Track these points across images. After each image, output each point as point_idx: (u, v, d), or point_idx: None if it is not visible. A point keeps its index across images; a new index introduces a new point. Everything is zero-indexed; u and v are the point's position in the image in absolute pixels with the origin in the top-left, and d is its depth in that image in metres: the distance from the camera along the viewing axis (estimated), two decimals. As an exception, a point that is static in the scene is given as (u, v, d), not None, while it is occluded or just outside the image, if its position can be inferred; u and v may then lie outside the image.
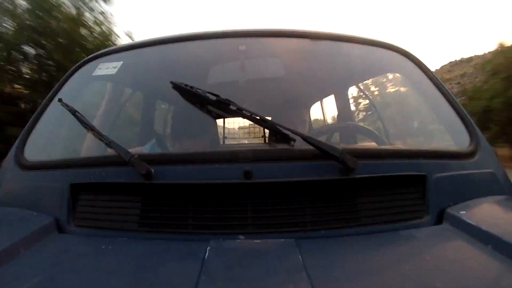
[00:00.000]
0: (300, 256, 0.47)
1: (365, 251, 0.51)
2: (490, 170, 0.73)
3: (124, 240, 0.56)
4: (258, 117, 0.65)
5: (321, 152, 0.59)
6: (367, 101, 1.42)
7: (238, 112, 0.67)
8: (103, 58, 0.97)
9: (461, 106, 0.83)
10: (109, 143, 0.68)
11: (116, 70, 0.92)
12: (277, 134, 0.66)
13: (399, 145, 1.05)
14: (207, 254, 0.49)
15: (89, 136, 0.80)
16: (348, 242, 0.54)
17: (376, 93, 1.45)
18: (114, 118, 1.20)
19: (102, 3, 6.62)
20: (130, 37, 7.17)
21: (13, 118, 5.06)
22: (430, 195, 0.62)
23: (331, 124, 1.58)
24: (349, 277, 0.44)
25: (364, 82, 1.38)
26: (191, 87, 0.72)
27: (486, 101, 11.11)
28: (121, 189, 0.63)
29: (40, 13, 5.58)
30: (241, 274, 0.44)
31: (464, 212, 0.58)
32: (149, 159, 0.62)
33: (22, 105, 5.95)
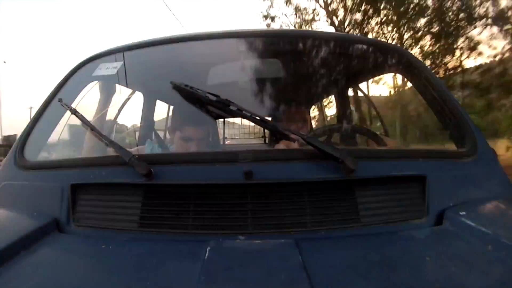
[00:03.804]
0: (300, 256, 0.47)
1: (365, 251, 0.51)
2: (490, 171, 0.73)
3: (124, 240, 0.56)
4: (258, 118, 0.66)
5: (321, 152, 0.60)
6: (367, 101, 1.43)
7: (238, 113, 0.67)
8: (103, 58, 0.97)
9: (461, 106, 0.83)
10: (109, 143, 0.68)
11: (116, 70, 0.92)
12: (277, 134, 0.67)
13: (398, 146, 1.06)
14: (207, 254, 0.49)
15: (89, 136, 0.80)
16: (348, 242, 0.54)
17: (375, 93, 1.46)
18: (114, 118, 1.20)
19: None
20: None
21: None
22: (430, 196, 0.62)
23: (331, 125, 1.59)
24: (349, 277, 0.44)
25: (364, 82, 1.39)
26: (191, 87, 0.72)
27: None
28: (121, 189, 0.63)
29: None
30: (241, 274, 0.44)
31: (463, 212, 0.58)
32: (150, 159, 0.63)
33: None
